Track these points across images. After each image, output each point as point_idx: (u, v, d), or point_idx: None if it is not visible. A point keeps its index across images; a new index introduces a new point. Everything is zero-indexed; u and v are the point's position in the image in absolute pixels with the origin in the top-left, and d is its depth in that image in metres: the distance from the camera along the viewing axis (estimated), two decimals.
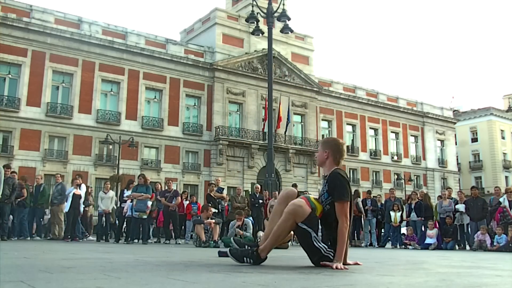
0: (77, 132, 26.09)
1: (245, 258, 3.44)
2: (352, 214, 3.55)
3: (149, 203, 11.57)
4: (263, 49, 31.54)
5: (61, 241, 11.64)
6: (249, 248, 3.56)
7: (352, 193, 3.64)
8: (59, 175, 13.82)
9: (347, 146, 37.60)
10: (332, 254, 3.34)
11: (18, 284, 2.11)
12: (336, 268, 3.15)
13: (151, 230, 13.99)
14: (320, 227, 3.38)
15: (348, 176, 3.61)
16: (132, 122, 28.05)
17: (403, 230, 13.70)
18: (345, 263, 3.62)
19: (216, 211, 11.92)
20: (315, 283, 2.38)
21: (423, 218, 12.95)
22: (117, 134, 24.99)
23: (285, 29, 14.54)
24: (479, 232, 11.53)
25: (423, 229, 12.92)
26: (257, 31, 14.44)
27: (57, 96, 26.15)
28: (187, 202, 13.54)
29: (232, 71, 32.04)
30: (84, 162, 26.13)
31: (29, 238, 12.45)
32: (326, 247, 3.34)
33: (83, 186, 13.30)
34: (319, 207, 3.46)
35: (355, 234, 13.92)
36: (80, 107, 26.46)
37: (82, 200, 12.95)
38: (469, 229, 12.29)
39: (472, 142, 53.46)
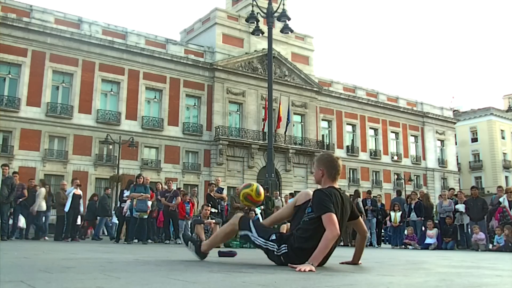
0: (77, 132, 26.09)
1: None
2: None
3: (149, 203, 11.61)
4: (263, 49, 31.54)
5: (61, 241, 11.64)
6: (198, 241, 3.92)
7: (348, 197, 3.64)
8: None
9: (347, 146, 37.63)
10: (273, 247, 3.39)
11: (18, 284, 2.11)
12: (299, 269, 2.90)
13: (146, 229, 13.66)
14: (251, 226, 3.57)
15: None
16: (132, 122, 28.05)
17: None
18: (356, 264, 3.81)
19: (216, 211, 11.91)
20: (315, 283, 2.38)
21: (423, 218, 12.95)
22: (117, 134, 25.00)
23: (285, 29, 14.54)
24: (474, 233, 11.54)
25: (423, 229, 12.93)
26: (257, 31, 14.44)
27: (57, 96, 26.17)
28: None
29: (232, 71, 32.03)
30: (84, 162, 26.14)
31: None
32: (263, 240, 3.46)
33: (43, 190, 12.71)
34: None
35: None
36: (80, 107, 26.47)
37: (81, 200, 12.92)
38: (469, 229, 12.28)
39: (472, 142, 53.45)
